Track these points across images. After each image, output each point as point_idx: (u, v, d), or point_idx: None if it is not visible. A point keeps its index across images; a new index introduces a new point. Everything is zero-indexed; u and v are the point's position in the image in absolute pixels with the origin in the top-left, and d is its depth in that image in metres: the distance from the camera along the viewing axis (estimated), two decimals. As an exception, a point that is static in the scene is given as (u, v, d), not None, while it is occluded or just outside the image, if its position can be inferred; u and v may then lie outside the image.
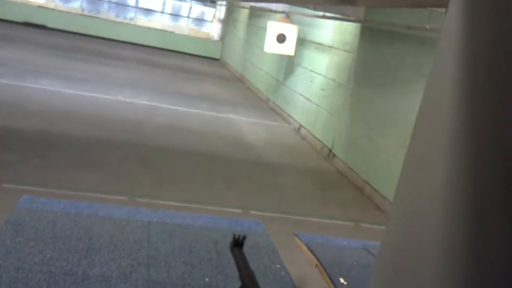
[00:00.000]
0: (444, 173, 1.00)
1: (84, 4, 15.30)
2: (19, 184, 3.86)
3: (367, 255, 2.14)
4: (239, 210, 4.32)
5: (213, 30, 16.51)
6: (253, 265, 1.88)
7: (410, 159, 1.19)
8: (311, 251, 2.17)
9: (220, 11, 16.21)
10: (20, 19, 14.09)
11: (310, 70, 7.95)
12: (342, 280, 1.96)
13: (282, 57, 9.08)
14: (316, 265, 2.10)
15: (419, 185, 1.13)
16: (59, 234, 1.89)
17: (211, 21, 16.45)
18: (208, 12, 16.28)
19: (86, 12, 15.32)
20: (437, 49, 1.13)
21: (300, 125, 8.02)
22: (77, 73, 8.98)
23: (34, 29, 13.82)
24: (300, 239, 2.30)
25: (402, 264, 1.15)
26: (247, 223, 2.33)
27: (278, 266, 1.95)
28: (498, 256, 0.86)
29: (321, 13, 7.06)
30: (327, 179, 5.96)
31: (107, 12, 15.48)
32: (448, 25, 1.09)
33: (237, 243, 0.68)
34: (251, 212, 4.32)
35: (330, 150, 6.76)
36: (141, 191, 4.26)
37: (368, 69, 6.09)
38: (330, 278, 1.98)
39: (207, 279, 1.76)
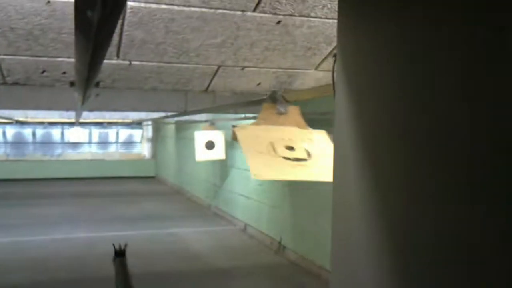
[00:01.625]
0: (367, 249, 1.04)
1: (8, 150, 15.06)
2: None
3: None
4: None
5: (144, 149, 16.64)
6: None
7: (336, 234, 1.22)
8: None
9: (147, 130, 16.49)
10: None
11: (244, 169, 8.09)
12: None
13: (215, 162, 9.22)
14: None
15: (350, 259, 1.15)
16: None
17: (140, 142, 16.62)
18: (136, 133, 16.51)
19: (11, 157, 15.04)
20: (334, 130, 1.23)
21: (246, 224, 7.97)
22: (8, 220, 8.59)
23: (-43, 184, 13.29)
24: None
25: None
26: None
27: None
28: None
29: (242, 115, 7.36)
30: (281, 274, 5.85)
31: (33, 154, 15.28)
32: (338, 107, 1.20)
33: (119, 253, 0.65)
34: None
35: (280, 243, 6.71)
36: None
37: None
38: None
39: None
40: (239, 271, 5.82)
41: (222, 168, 9.16)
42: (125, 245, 0.73)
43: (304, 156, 2.90)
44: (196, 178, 11.15)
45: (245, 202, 8.05)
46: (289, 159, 2.83)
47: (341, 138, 1.16)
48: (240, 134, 2.92)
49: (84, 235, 7.31)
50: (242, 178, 8.19)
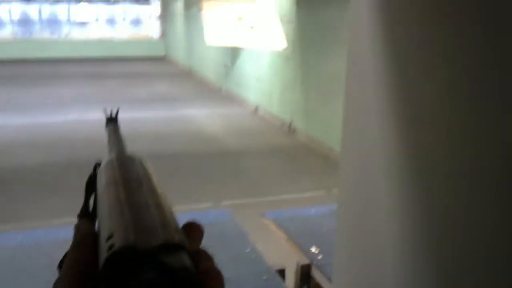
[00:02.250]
0: (379, 127, 1.00)
1: (15, 29, 14.78)
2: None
3: (335, 218, 2.15)
4: (209, 204, 4.29)
5: (152, 29, 16.23)
6: (222, 254, 1.87)
7: (347, 114, 1.19)
8: (279, 226, 2.17)
9: (156, 8, 15.94)
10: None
11: (255, 50, 7.91)
12: (313, 249, 1.98)
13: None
14: (287, 239, 2.11)
15: (360, 140, 1.13)
16: (19, 266, 1.83)
17: (149, 20, 16.16)
18: (144, 11, 15.99)
19: (19, 37, 14.81)
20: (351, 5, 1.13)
21: (257, 106, 8.01)
22: (21, 101, 8.70)
23: (-32, 64, 13.28)
24: (268, 218, 2.30)
25: (359, 220, 1.16)
26: (213, 214, 2.32)
27: (248, 250, 1.95)
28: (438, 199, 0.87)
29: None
30: (292, 154, 5.99)
31: (40, 32, 15.01)
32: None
33: (111, 119, 0.65)
34: (222, 203, 4.30)
35: (290, 125, 6.79)
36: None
37: (310, 36, 6.10)
38: (301, 249, 1.99)
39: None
40: (250, 151, 5.97)
41: (233, 49, 8.97)
42: (117, 110, 0.72)
43: (252, 25, 3.79)
44: (207, 59, 10.99)
45: (256, 84, 8.00)
46: (240, 28, 3.61)
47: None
48: (205, 5, 3.18)
49: (98, 116, 7.41)
50: (254, 59, 8.05)
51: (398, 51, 0.93)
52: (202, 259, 0.33)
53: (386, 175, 0.97)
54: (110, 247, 0.30)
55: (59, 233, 2.12)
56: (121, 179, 0.40)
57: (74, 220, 0.41)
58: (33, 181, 4.80)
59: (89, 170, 0.48)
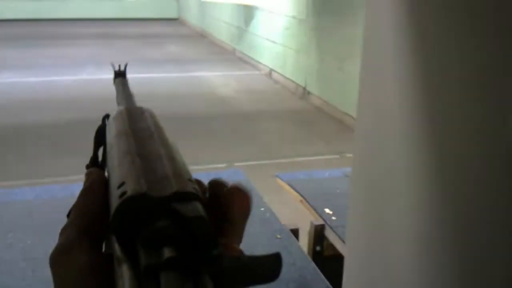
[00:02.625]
0: (396, 91, 0.98)
1: (28, -12, 14.66)
2: (-5, 181, 3.78)
3: (348, 181, 2.14)
4: (222, 164, 4.31)
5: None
6: (236, 213, 1.88)
7: (364, 78, 1.16)
8: (293, 188, 2.17)
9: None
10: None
11: (270, 12, 7.77)
12: (327, 210, 1.97)
13: (239, 3, 8.86)
14: (300, 200, 2.11)
15: (377, 104, 1.11)
16: (37, 221, 1.86)
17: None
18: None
19: (31, -4, 14.70)
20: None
21: (271, 69, 7.92)
22: (36, 59, 8.70)
23: (-18, 23, 13.27)
24: (282, 179, 2.30)
25: (372, 183, 1.15)
26: (225, 174, 2.32)
27: (262, 209, 1.95)
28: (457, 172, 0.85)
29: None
30: (305, 118, 5.95)
31: (53, -9, 14.87)
32: None
33: (119, 73, 0.65)
34: (235, 164, 4.32)
35: (304, 89, 6.72)
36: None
37: (326, -1, 5.97)
38: (315, 210, 1.99)
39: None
40: (264, 115, 5.94)
41: (247, 10, 8.81)
42: (125, 65, 0.70)
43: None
44: (220, 21, 10.84)
45: (270, 47, 7.89)
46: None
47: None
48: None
49: (110, 76, 7.40)
50: (267, 21, 7.92)
51: (419, 17, 0.89)
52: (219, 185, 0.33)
53: (403, 141, 0.96)
54: (122, 195, 0.29)
55: (74, 189, 2.14)
56: (131, 129, 0.39)
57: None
58: (46, 139, 4.85)
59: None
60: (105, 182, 0.34)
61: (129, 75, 0.65)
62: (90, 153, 0.46)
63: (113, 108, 0.49)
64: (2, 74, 7.47)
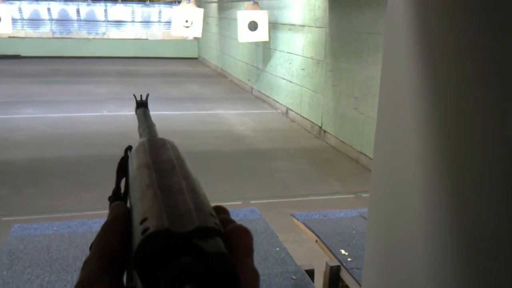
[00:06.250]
0: (413, 130, 1.00)
1: (54, 27, 15.18)
2: (15, 216, 3.84)
3: (364, 222, 2.14)
4: (238, 202, 4.32)
5: (187, 30, 16.39)
6: (252, 252, 1.88)
7: (381, 120, 1.19)
8: (309, 228, 2.17)
9: (190, 9, 16.10)
10: (-7, 53, 13.98)
11: (288, 52, 7.92)
12: (343, 251, 1.97)
13: (257, 44, 9.04)
14: (316, 240, 2.10)
15: (394, 144, 1.12)
16: (55, 256, 1.88)
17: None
18: (178, 13, 16.16)
19: (57, 35, 15.20)
20: (387, 12, 1.13)
21: (287, 108, 8.01)
22: (58, 96, 8.93)
23: (9, 60, 13.71)
24: (297, 219, 2.30)
25: (390, 224, 1.15)
26: (242, 212, 2.33)
27: (277, 249, 1.95)
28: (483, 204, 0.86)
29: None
30: (321, 157, 5.97)
31: (78, 31, 15.37)
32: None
33: (141, 104, 0.65)
34: (251, 201, 4.32)
35: (320, 128, 6.76)
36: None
37: (342, 41, 6.07)
38: (331, 251, 1.98)
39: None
40: (281, 153, 5.97)
41: (265, 50, 8.99)
42: (147, 95, 0.73)
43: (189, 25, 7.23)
44: (239, 60, 11.05)
45: (287, 86, 8.00)
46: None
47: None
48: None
49: (131, 113, 7.56)
50: (285, 61, 8.06)
51: (432, 58, 0.92)
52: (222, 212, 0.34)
53: (419, 182, 0.97)
54: (144, 231, 0.29)
55: (93, 225, 2.17)
56: (153, 162, 0.39)
57: (103, 213, 0.40)
58: (66, 174, 4.93)
59: None
60: (128, 217, 0.34)
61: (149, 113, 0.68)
62: (108, 188, 0.46)
63: (131, 143, 0.49)
64: (25, 109, 7.68)
